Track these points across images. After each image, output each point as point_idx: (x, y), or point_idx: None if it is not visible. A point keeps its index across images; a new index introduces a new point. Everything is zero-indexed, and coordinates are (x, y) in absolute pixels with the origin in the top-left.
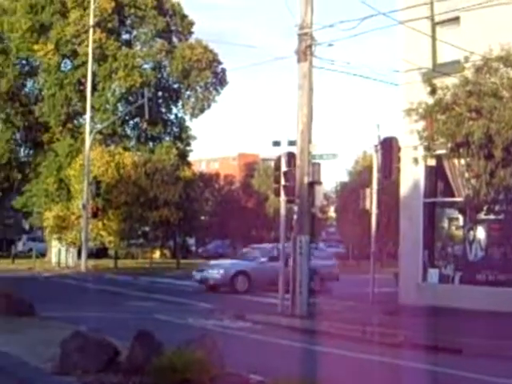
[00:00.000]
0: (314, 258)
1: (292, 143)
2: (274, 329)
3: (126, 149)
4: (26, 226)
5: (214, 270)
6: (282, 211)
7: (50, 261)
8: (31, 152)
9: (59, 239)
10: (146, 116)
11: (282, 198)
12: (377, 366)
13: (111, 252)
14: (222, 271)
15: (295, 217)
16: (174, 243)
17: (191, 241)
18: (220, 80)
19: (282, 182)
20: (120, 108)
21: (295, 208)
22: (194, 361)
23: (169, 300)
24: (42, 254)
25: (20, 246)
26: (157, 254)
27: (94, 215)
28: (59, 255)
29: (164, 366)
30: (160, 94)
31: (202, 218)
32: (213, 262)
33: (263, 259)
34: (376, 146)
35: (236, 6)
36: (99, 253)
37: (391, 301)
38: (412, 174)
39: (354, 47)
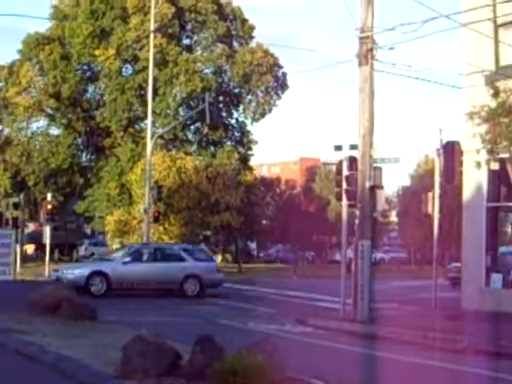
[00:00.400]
0: (193, 261)
1: (353, 147)
2: (335, 334)
3: (187, 153)
4: (88, 231)
5: (68, 270)
6: (344, 216)
7: None
8: (93, 157)
9: (121, 243)
10: (207, 120)
11: (344, 202)
12: (439, 373)
13: None
14: (76, 271)
15: (357, 221)
16: (236, 248)
17: (253, 245)
18: (281, 84)
19: (344, 186)
20: (181, 113)
21: (357, 212)
22: (255, 365)
23: (230, 304)
24: None
25: (82, 251)
26: (218, 259)
27: (156, 220)
28: None
29: (225, 371)
30: (221, 98)
31: (264, 222)
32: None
33: (126, 259)
34: (438, 149)
35: (296, 9)
36: None
37: (454, 306)
38: (475, 178)
39: (415, 50)
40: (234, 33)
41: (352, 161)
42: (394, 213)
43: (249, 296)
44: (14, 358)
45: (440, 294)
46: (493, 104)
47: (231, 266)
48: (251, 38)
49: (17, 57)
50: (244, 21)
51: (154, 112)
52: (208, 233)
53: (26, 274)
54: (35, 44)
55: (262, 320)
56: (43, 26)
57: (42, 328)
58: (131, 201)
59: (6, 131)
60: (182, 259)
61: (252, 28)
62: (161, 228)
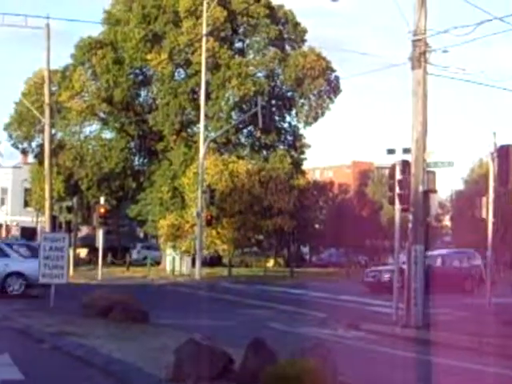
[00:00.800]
0: (19, 257)
1: (407, 151)
2: (388, 339)
3: (239, 157)
4: (141, 235)
5: None
6: (397, 220)
7: (165, 269)
8: (145, 161)
9: (173, 247)
10: (260, 124)
11: (397, 206)
12: (495, 379)
13: (225, 260)
14: None
15: (410, 226)
16: (288, 252)
17: (305, 249)
18: (333, 88)
19: (397, 190)
20: (234, 116)
21: (410, 217)
22: (307, 370)
23: (282, 309)
24: (157, 262)
25: (135, 254)
26: (271, 263)
27: (208, 223)
28: (173, 263)
29: (278, 375)
30: (273, 102)
31: (316, 226)
32: None
33: None
34: (492, 153)
35: (348, 12)
36: (213, 261)
37: (509, 311)
38: None
39: (469, 52)
40: (286, 36)
41: (405, 165)
42: (447, 217)
43: (301, 300)
44: (66, 360)
45: (495, 300)
46: None
47: (283, 270)
48: (303, 41)
49: (70, 61)
50: (296, 24)
51: (206, 116)
52: (260, 237)
53: (79, 278)
54: (88, 48)
55: (314, 324)
56: (96, 31)
57: (95, 330)
58: (184, 205)
59: (59, 135)
60: (5, 255)
61: (304, 31)
62: (213, 232)
